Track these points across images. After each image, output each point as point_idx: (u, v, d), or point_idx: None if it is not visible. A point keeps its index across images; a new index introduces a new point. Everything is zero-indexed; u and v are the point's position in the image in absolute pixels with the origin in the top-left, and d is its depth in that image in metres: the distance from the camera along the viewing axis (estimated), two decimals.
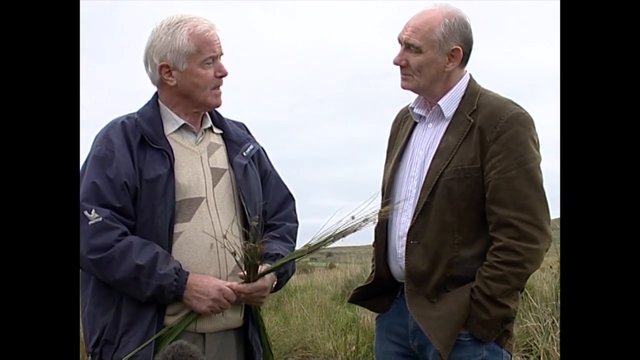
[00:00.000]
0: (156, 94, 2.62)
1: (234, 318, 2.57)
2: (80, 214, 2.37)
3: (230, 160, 2.62)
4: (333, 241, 2.50)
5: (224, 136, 2.68)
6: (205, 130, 2.64)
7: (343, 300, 9.21)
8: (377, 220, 2.55)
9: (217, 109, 2.69)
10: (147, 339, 2.38)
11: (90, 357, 2.49)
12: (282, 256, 2.58)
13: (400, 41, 2.64)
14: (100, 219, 2.36)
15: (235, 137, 2.68)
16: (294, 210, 2.81)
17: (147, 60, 2.57)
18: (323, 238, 2.49)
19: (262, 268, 2.50)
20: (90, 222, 2.36)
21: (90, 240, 2.35)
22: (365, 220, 2.48)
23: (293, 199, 2.82)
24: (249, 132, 2.79)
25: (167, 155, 2.48)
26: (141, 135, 2.49)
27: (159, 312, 2.43)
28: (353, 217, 2.47)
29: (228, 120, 2.73)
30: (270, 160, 2.82)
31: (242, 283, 2.50)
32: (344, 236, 2.49)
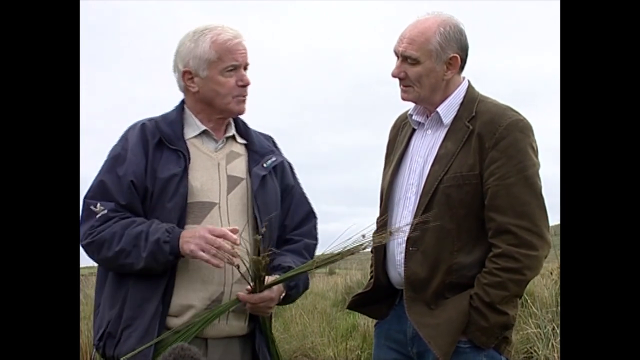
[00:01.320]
0: (183, 100, 2.66)
1: (238, 326, 2.56)
2: (85, 210, 2.45)
3: (249, 170, 2.62)
4: (341, 258, 2.49)
5: (247, 146, 2.68)
6: (227, 138, 2.65)
7: (343, 307, 9.18)
8: (385, 240, 2.56)
9: (244, 119, 2.71)
10: (147, 335, 2.39)
11: (95, 351, 2.54)
12: (292, 269, 2.56)
13: (396, 53, 2.64)
14: (106, 211, 2.42)
15: (258, 148, 2.68)
16: (315, 227, 2.79)
17: (174, 67, 2.62)
18: (331, 255, 2.48)
19: (269, 279, 2.49)
20: (98, 216, 2.43)
21: (97, 229, 2.42)
22: (373, 240, 2.51)
23: (315, 217, 2.80)
24: (275, 145, 2.79)
25: (182, 156, 2.50)
26: (159, 136, 2.52)
27: (162, 309, 2.43)
28: (364, 236, 2.46)
29: (255, 131, 2.74)
30: (295, 174, 2.80)
31: (249, 293, 2.48)
32: (352, 254, 2.48)
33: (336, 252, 2.47)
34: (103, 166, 2.53)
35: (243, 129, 2.71)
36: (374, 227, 2.58)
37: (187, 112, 2.62)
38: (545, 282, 6.92)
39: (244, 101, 2.60)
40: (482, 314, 2.49)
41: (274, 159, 2.69)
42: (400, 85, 2.67)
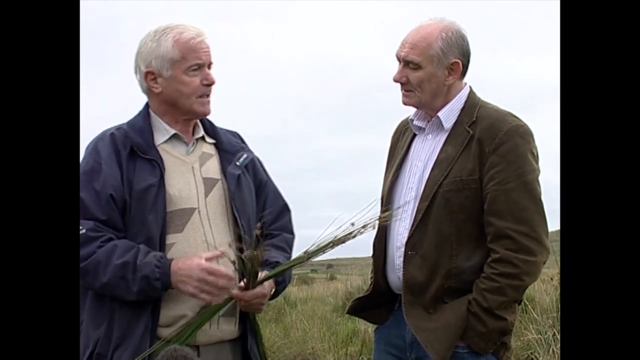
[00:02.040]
0: (147, 104, 2.60)
1: (228, 330, 2.54)
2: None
3: (224, 170, 2.59)
4: (332, 247, 2.47)
5: (217, 146, 2.65)
6: (197, 140, 2.61)
7: (343, 312, 9.18)
8: (376, 226, 2.52)
9: (210, 119, 2.67)
10: (140, 352, 2.34)
11: None
12: (281, 264, 2.56)
13: (398, 58, 2.65)
14: (84, 230, 2.33)
15: (228, 147, 2.65)
16: (290, 221, 2.78)
17: (135, 68, 2.55)
18: (322, 245, 2.46)
19: (261, 275, 2.48)
20: None
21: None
22: (364, 226, 2.45)
23: (289, 210, 2.80)
24: (243, 142, 2.77)
25: (157, 165, 2.45)
26: (131, 146, 2.46)
27: (152, 324, 2.39)
28: (353, 224, 2.44)
29: (221, 129, 2.71)
30: (266, 169, 2.79)
31: (242, 290, 2.47)
32: (343, 242, 2.45)
33: (325, 242, 2.44)
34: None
35: (210, 129, 2.67)
36: (363, 215, 2.55)
37: (153, 116, 2.56)
38: (546, 288, 6.91)
39: (208, 102, 2.55)
40: (480, 319, 2.50)
41: (245, 155, 2.66)
42: (401, 89, 2.68)
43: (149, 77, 2.51)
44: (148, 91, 2.56)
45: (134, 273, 2.32)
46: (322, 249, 2.46)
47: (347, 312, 2.97)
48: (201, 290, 2.36)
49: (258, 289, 2.48)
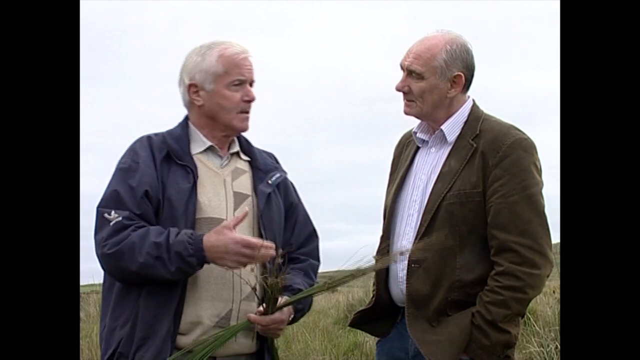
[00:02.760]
0: (186, 116, 2.64)
1: (246, 344, 2.53)
2: (99, 219, 2.40)
3: (255, 188, 2.61)
4: (352, 279, 2.48)
5: (251, 163, 2.67)
6: (232, 154, 2.64)
7: (345, 325, 9.15)
8: (397, 261, 2.56)
9: (247, 137, 2.70)
10: (160, 355, 2.36)
11: None
12: (302, 291, 2.55)
13: (402, 67, 2.66)
14: (120, 218, 2.38)
15: (262, 166, 2.67)
16: (317, 247, 2.77)
17: (179, 80, 2.60)
18: (343, 275, 2.46)
19: (281, 300, 2.48)
20: (111, 223, 2.37)
21: (111, 237, 2.36)
22: (385, 261, 2.51)
23: (317, 236, 2.78)
24: (277, 162, 2.78)
25: (190, 172, 2.48)
26: (167, 151, 2.50)
27: (174, 327, 2.40)
28: (376, 260, 2.47)
29: (257, 149, 2.73)
30: (297, 192, 2.79)
31: (260, 315, 2.47)
32: (364, 274, 2.48)
33: (347, 273, 2.45)
34: (113, 178, 2.49)
35: (246, 146, 2.70)
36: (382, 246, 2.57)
37: (192, 128, 2.60)
38: (548, 301, 6.90)
39: (247, 118, 2.58)
40: (484, 332, 2.49)
41: (278, 175, 2.68)
42: (403, 99, 2.68)
43: (191, 90, 2.55)
44: (190, 104, 2.60)
45: (168, 252, 2.33)
46: (342, 281, 2.46)
47: (349, 325, 2.96)
48: (240, 263, 2.38)
49: (276, 315, 2.47)
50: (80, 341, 6.99)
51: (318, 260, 2.76)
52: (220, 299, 2.48)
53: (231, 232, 2.37)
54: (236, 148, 2.66)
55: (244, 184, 2.61)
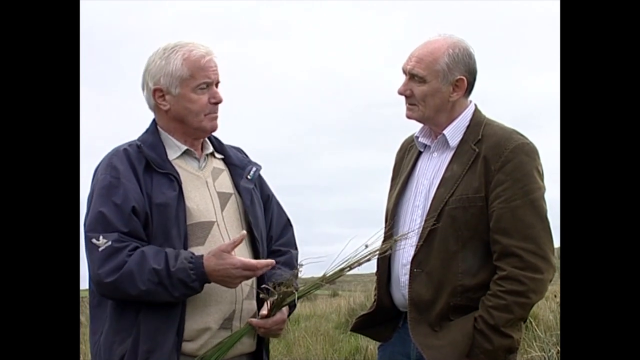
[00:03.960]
0: (154, 121, 2.60)
1: (248, 342, 2.55)
2: (87, 244, 2.35)
3: (236, 185, 2.61)
4: (349, 270, 2.49)
5: (225, 161, 2.67)
6: (207, 155, 2.63)
7: (346, 329, 9.14)
8: (394, 249, 2.56)
9: (216, 135, 2.68)
10: None
11: None
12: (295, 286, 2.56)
13: (404, 71, 2.66)
14: (110, 242, 2.32)
15: (237, 162, 2.67)
16: (294, 236, 2.79)
17: (143, 84, 2.56)
18: (339, 268, 2.47)
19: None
20: (100, 249, 2.32)
21: (104, 265, 2.32)
22: (379, 249, 2.50)
23: (292, 225, 2.81)
24: (246, 156, 2.78)
25: (174, 179, 2.46)
26: (146, 161, 2.46)
27: (178, 337, 2.39)
28: (366, 246, 2.47)
29: (227, 145, 2.72)
30: (268, 184, 2.80)
31: (262, 318, 2.50)
32: (359, 264, 2.48)
33: (343, 266, 2.46)
34: (96, 199, 2.41)
35: (218, 145, 2.69)
36: (377, 236, 2.56)
37: (163, 133, 2.56)
38: (550, 305, 6.88)
39: (216, 118, 2.56)
40: (486, 336, 2.49)
41: (254, 169, 2.68)
42: (405, 103, 2.69)
43: (157, 95, 2.51)
44: (156, 108, 2.56)
45: (170, 278, 2.31)
46: (339, 273, 2.47)
47: (351, 330, 2.95)
48: (242, 282, 2.43)
49: (278, 316, 2.50)
50: (81, 345, 6.99)
51: (296, 248, 2.77)
52: (224, 301, 2.48)
53: (230, 257, 2.37)
54: (210, 148, 2.64)
55: (225, 182, 2.60)
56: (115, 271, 2.31)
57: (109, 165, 2.45)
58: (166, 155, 2.52)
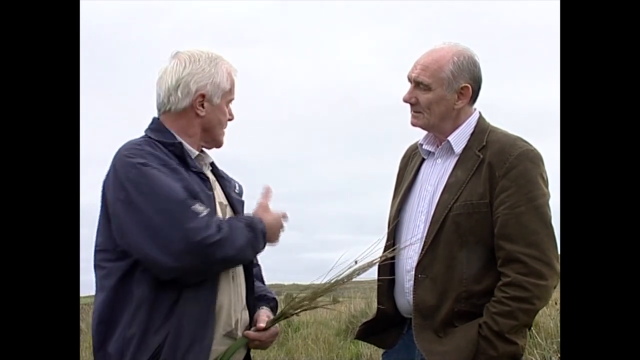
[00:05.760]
0: (159, 120, 2.53)
1: (243, 351, 2.55)
2: (188, 212, 2.27)
3: (228, 196, 2.60)
4: (342, 283, 2.50)
5: (213, 172, 2.63)
6: (204, 165, 2.60)
7: (347, 336, 9.13)
8: (397, 256, 2.59)
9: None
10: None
11: None
12: (276, 300, 2.63)
13: (409, 79, 2.68)
14: (207, 212, 2.31)
15: (222, 173, 2.67)
16: None
17: (181, 86, 2.47)
18: (336, 279, 2.49)
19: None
20: (201, 215, 2.27)
21: (208, 228, 2.27)
22: (379, 258, 2.54)
23: None
24: None
25: (206, 179, 2.48)
26: (177, 158, 2.42)
27: (212, 334, 2.37)
28: (356, 262, 2.48)
29: None
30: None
31: (258, 331, 2.51)
32: (358, 274, 2.49)
33: (337, 278, 2.47)
34: (160, 178, 2.31)
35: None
36: (374, 247, 2.56)
37: (176, 135, 2.50)
38: (550, 312, 6.87)
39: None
40: (491, 343, 2.49)
41: (238, 184, 2.70)
42: (410, 110, 2.70)
43: (198, 100, 2.48)
44: (188, 111, 2.49)
45: (255, 231, 2.39)
46: (332, 286, 2.49)
47: (355, 338, 2.96)
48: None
49: (273, 329, 2.53)
50: (81, 353, 6.98)
51: (258, 263, 2.75)
52: (231, 309, 2.47)
53: (275, 211, 2.50)
54: (211, 158, 2.63)
55: (220, 193, 2.60)
56: (218, 232, 2.28)
57: (148, 154, 2.37)
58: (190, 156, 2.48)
